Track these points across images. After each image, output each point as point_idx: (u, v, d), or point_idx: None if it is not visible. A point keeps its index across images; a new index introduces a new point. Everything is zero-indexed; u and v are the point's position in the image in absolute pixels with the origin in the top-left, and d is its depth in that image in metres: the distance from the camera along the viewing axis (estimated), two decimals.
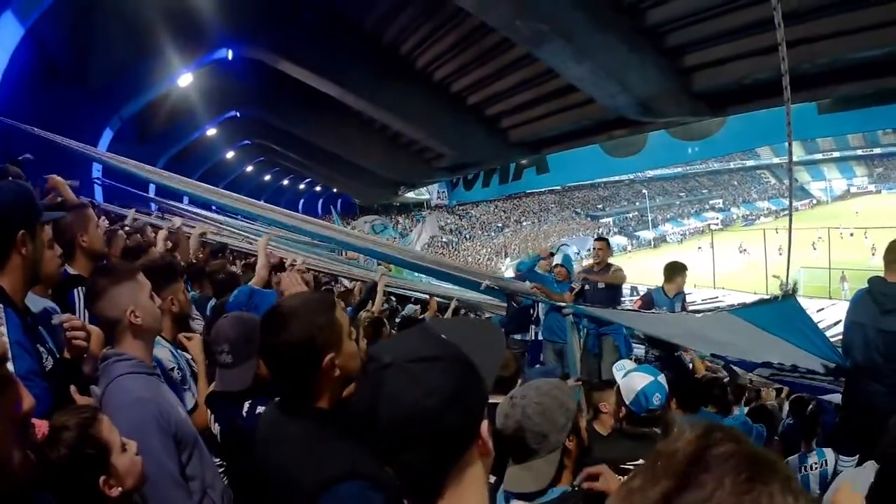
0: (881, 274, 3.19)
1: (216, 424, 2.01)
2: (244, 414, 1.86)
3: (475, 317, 9.89)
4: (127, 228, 5.01)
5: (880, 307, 3.07)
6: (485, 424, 0.85)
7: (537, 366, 5.93)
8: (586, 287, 6.00)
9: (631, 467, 2.03)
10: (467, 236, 48.22)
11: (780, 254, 23.89)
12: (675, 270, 5.64)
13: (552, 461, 1.66)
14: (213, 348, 2.07)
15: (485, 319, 7.84)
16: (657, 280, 5.87)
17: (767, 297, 3.05)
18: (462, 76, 18.74)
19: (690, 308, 5.89)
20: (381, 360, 0.84)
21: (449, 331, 0.90)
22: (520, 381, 3.15)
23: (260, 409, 1.78)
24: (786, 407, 6.35)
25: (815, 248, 28.07)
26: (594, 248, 6.30)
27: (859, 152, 56.80)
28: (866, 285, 3.23)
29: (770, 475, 0.53)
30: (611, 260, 6.21)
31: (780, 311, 2.81)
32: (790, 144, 2.73)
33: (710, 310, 4.88)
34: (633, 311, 5.85)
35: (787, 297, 2.69)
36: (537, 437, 1.65)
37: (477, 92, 19.38)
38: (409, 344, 0.87)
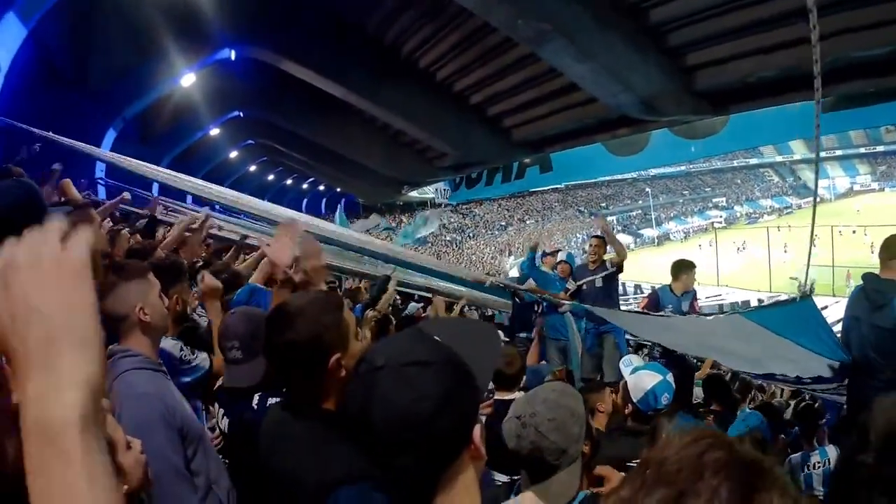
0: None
1: (225, 419, 2.02)
2: (254, 406, 1.85)
3: (480, 314, 9.85)
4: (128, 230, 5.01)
5: (872, 303, 3.10)
6: (477, 429, 0.84)
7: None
8: (584, 287, 6.02)
9: (636, 464, 2.01)
10: (471, 235, 48.18)
11: (786, 251, 23.84)
12: (681, 268, 5.61)
13: (574, 471, 1.60)
14: (223, 344, 2.07)
15: (483, 321, 7.81)
16: (661, 278, 5.86)
17: (785, 298, 3.05)
18: (464, 76, 18.64)
19: (698, 306, 5.85)
20: (373, 362, 0.83)
21: (444, 332, 0.89)
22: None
23: (271, 400, 1.77)
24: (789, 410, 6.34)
25: (815, 247, 27.92)
26: (590, 246, 6.38)
27: (862, 150, 56.49)
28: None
29: (767, 481, 0.52)
30: (607, 257, 6.26)
31: (797, 312, 2.79)
32: (818, 139, 2.71)
33: (719, 311, 4.87)
34: (638, 312, 5.83)
35: (805, 298, 2.68)
36: (556, 453, 1.56)
37: (479, 91, 19.27)
38: (403, 346, 0.86)
